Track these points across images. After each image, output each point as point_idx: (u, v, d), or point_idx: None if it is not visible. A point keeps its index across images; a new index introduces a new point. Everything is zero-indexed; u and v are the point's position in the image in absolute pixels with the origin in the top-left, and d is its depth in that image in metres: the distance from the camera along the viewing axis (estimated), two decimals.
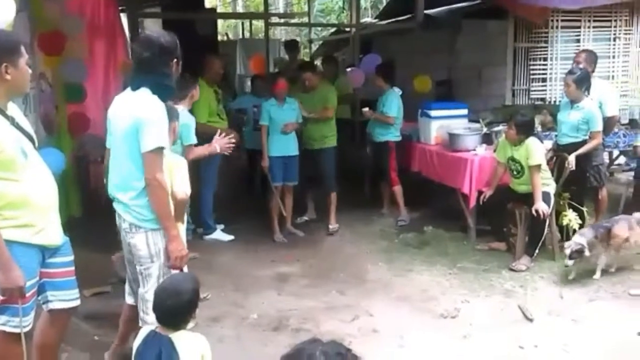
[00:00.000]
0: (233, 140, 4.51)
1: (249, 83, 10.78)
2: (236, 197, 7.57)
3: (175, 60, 3.08)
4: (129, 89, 3.09)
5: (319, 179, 6.46)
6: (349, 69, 8.85)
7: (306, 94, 6.33)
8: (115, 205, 3.14)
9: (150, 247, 3.03)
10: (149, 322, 2.79)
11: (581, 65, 5.59)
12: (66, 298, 3.11)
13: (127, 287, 3.42)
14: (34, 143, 2.93)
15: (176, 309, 2.46)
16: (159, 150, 2.93)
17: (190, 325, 2.57)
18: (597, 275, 4.91)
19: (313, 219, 6.80)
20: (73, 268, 3.14)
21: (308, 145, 6.32)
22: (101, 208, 5.42)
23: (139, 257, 3.07)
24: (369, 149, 6.90)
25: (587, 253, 4.78)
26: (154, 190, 2.93)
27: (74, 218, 5.79)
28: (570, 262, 4.78)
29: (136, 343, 2.52)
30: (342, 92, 7.81)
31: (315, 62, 11.43)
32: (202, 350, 2.46)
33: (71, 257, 3.13)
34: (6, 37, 2.78)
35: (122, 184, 3.06)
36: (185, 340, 2.44)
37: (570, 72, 5.43)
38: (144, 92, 3.00)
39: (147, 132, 2.90)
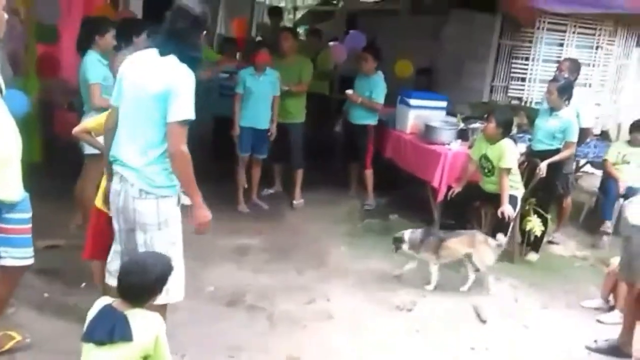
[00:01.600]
0: None
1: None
2: (200, 162, 7.39)
3: (204, 32, 3.04)
4: (152, 51, 2.94)
5: (287, 153, 6.39)
6: (331, 43, 8.73)
7: (282, 62, 6.17)
8: (119, 169, 2.97)
9: (159, 215, 2.93)
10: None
11: (564, 74, 5.60)
12: (19, 256, 3.01)
13: (110, 265, 3.21)
14: (0, 91, 2.77)
15: (139, 286, 2.40)
16: (186, 122, 2.84)
17: None
18: (431, 286, 4.73)
19: (279, 192, 6.73)
20: (30, 226, 3.03)
21: (278, 118, 6.19)
22: (63, 155, 5.33)
23: (143, 224, 2.93)
24: (342, 129, 6.80)
25: (405, 248, 4.75)
26: (179, 162, 2.86)
27: (34, 163, 5.58)
28: (394, 248, 4.79)
29: (90, 314, 2.44)
30: (323, 67, 7.71)
31: (298, 30, 11.27)
32: (157, 331, 2.40)
33: (29, 214, 3.02)
34: None
35: (137, 149, 2.91)
36: (140, 318, 2.38)
37: (555, 80, 5.43)
38: (174, 61, 2.88)
39: (177, 102, 2.81)
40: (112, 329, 2.31)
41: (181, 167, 2.88)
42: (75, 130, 3.73)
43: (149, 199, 2.92)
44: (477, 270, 4.78)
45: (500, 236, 4.85)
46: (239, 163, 6.10)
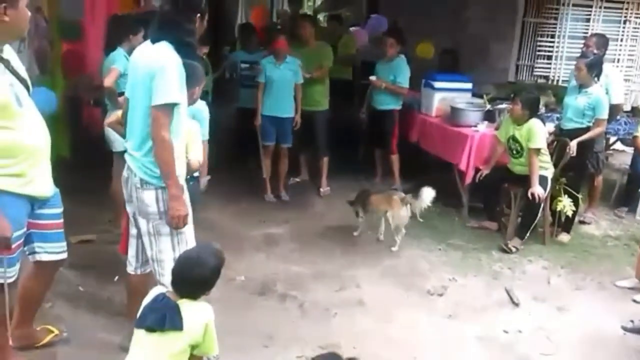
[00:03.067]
0: None
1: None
2: (226, 154, 7.40)
3: (199, 15, 2.94)
4: (148, 41, 2.95)
5: (312, 142, 6.37)
6: (352, 28, 8.66)
7: (303, 49, 6.15)
8: (126, 158, 3.01)
9: (159, 205, 2.91)
10: (166, 283, 2.71)
11: (592, 50, 5.47)
12: (53, 250, 3.05)
13: (130, 253, 3.23)
14: (28, 89, 2.80)
15: (194, 280, 2.42)
16: (168, 106, 2.78)
17: None
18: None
19: (305, 181, 6.73)
20: (62, 220, 3.07)
21: (302, 106, 6.15)
22: (91, 151, 5.39)
23: (147, 214, 2.94)
24: (367, 115, 6.75)
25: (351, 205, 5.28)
26: (158, 148, 2.80)
27: (63, 160, 5.66)
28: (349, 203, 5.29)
29: (144, 302, 2.49)
30: (345, 53, 7.65)
31: (318, 17, 11.19)
32: (207, 320, 2.43)
33: (60, 209, 3.06)
34: None
35: (136, 139, 2.92)
36: (191, 307, 2.41)
37: (583, 56, 5.32)
38: (163, 46, 2.86)
39: (157, 85, 2.76)
40: (163, 317, 2.35)
41: (160, 154, 2.81)
42: (108, 121, 3.77)
43: (149, 189, 2.91)
44: (395, 227, 5.05)
45: (427, 191, 5.06)
46: (264, 152, 6.11)
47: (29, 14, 2.72)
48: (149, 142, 2.86)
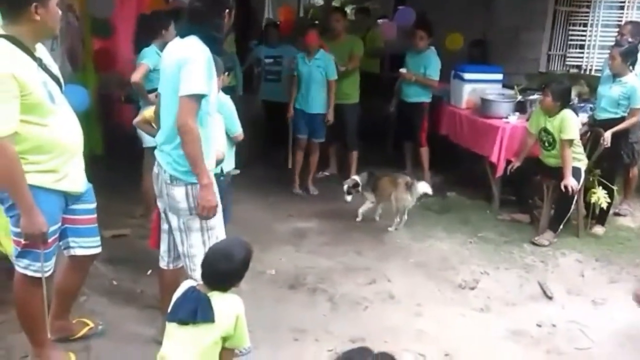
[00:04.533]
0: None
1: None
2: (255, 147, 7.43)
3: (227, 11, 2.96)
4: (178, 37, 2.98)
5: (341, 135, 6.36)
6: (380, 21, 8.61)
7: (333, 43, 6.14)
8: (156, 154, 3.04)
9: (189, 201, 2.93)
10: (198, 278, 2.74)
11: (627, 38, 5.35)
12: (88, 245, 3.10)
13: (161, 246, 3.27)
14: (60, 86, 2.85)
15: (223, 273, 2.44)
16: (195, 97, 2.80)
17: None
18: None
19: (334, 174, 6.72)
20: (95, 215, 3.12)
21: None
22: (123, 147, 5.47)
23: (177, 210, 2.97)
24: (395, 108, 6.71)
25: (360, 189, 5.36)
26: (185, 136, 2.80)
27: (96, 156, 5.76)
28: (349, 198, 5.37)
29: (175, 295, 2.52)
30: (373, 45, 7.61)
31: (346, 10, 11.14)
32: (237, 312, 2.44)
33: (94, 205, 3.11)
34: None
35: (166, 132, 2.95)
36: (222, 300, 2.43)
37: (617, 45, 5.21)
38: (192, 39, 2.89)
39: (184, 76, 2.78)
40: (194, 310, 2.37)
41: (187, 141, 2.81)
42: (136, 120, 3.81)
43: (179, 185, 2.93)
44: (397, 210, 5.22)
45: (423, 184, 5.36)
46: (296, 145, 6.14)
47: (60, 12, 2.76)
48: (178, 136, 2.88)
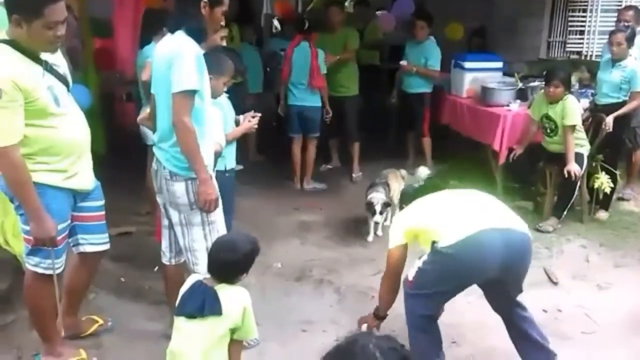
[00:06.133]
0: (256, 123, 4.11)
1: (275, 23, 10.49)
2: (263, 141, 7.44)
3: (206, 2, 2.92)
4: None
5: (342, 128, 6.37)
6: (379, 12, 8.59)
7: (328, 35, 6.14)
8: (155, 151, 3.07)
9: (189, 196, 2.96)
10: (201, 272, 2.77)
11: (630, 24, 5.33)
12: (96, 242, 3.13)
13: (163, 244, 3.30)
14: (68, 85, 2.86)
15: (229, 263, 2.47)
16: (188, 93, 2.81)
17: None
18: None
19: (337, 167, 6.74)
20: (103, 212, 3.15)
21: (331, 92, 6.14)
22: (125, 145, 5.49)
23: (177, 205, 3.00)
24: (396, 99, 6.71)
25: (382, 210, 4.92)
26: (180, 132, 2.83)
27: (98, 155, 5.76)
28: (380, 218, 4.87)
29: (182, 290, 2.54)
30: (372, 37, 7.60)
31: (344, 2, 11.11)
32: (244, 303, 2.47)
33: (102, 202, 3.13)
34: None
35: (163, 130, 2.98)
36: (228, 292, 2.45)
37: (620, 30, 5.18)
38: (179, 34, 2.91)
39: (175, 73, 2.80)
40: (202, 304, 2.40)
41: (183, 138, 2.84)
42: (140, 117, 3.82)
43: (179, 180, 2.95)
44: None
45: (422, 168, 5.44)
46: (294, 142, 6.16)
47: (52, 34, 2.71)
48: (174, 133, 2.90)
